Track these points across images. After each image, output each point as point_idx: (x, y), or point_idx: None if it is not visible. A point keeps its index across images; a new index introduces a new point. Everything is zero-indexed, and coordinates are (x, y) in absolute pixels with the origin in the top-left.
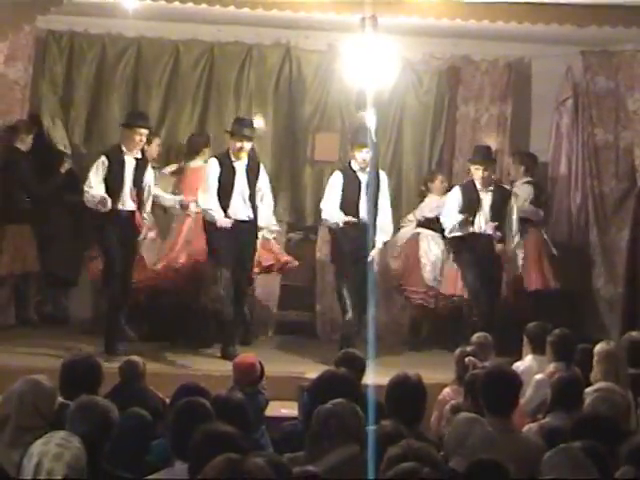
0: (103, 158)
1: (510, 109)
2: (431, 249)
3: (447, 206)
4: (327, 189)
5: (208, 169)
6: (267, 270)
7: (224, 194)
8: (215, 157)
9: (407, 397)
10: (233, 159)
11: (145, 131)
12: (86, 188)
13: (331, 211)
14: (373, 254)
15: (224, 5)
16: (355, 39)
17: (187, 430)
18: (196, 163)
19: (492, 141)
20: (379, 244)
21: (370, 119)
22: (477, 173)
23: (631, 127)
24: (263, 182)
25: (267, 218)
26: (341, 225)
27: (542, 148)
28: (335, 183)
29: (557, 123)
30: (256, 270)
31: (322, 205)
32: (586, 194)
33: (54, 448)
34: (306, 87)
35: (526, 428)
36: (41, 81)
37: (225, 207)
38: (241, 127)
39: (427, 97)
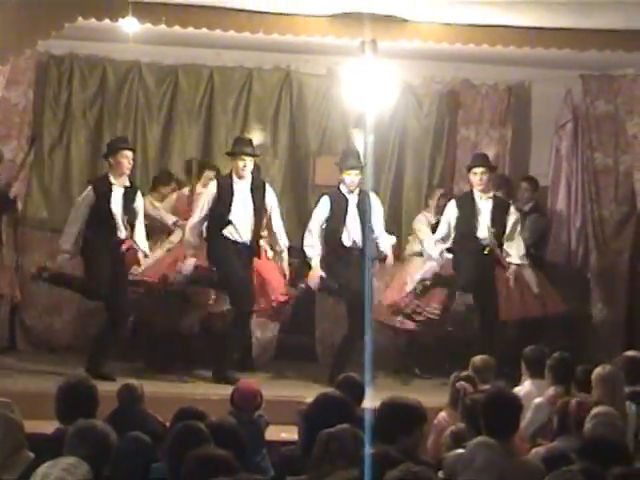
0: (90, 192)
1: (510, 133)
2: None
3: (444, 218)
4: (314, 213)
5: (205, 192)
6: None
7: (220, 215)
8: (217, 180)
9: (405, 421)
10: (235, 180)
11: (131, 153)
12: (66, 230)
13: (312, 243)
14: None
15: (224, 29)
16: (355, 63)
17: (184, 454)
18: (200, 187)
19: (491, 153)
20: (388, 247)
21: (360, 140)
22: (476, 178)
23: (630, 151)
24: (270, 200)
25: (277, 237)
26: (313, 264)
27: (542, 172)
28: (322, 208)
29: (557, 147)
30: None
31: (307, 232)
32: (586, 218)
33: (58, 472)
34: (306, 111)
35: (533, 452)
36: (41, 105)
37: (222, 227)
38: (241, 146)
39: (427, 121)
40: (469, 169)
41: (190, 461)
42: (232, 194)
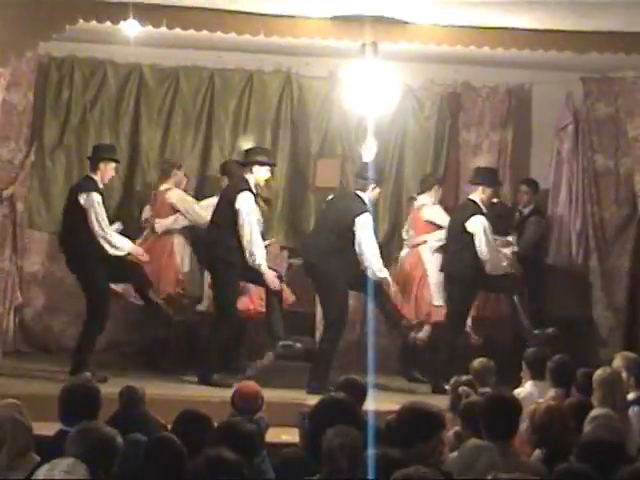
0: (98, 197)
1: (511, 135)
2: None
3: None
4: (369, 235)
5: (250, 207)
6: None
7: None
8: (249, 191)
9: (424, 427)
10: (255, 190)
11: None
12: (108, 237)
13: (382, 267)
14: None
15: (225, 32)
16: (356, 65)
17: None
18: (164, 186)
19: (491, 156)
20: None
21: (368, 153)
22: (484, 195)
23: (631, 153)
24: None
25: None
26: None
27: (543, 174)
28: (372, 230)
29: (557, 149)
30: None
31: (374, 262)
32: (586, 220)
33: (58, 474)
34: (307, 114)
35: (536, 453)
36: (42, 107)
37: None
38: (267, 156)
39: (428, 123)
40: (489, 186)
41: (201, 461)
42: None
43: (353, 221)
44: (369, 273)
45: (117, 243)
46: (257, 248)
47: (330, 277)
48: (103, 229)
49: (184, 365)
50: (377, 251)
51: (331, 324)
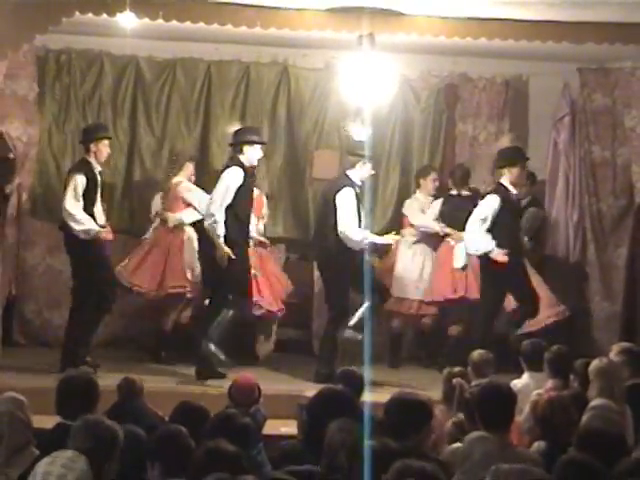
0: (81, 178)
1: (508, 126)
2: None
3: (484, 211)
4: (345, 207)
5: (230, 178)
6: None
7: (245, 203)
8: (238, 167)
9: (416, 417)
10: (248, 168)
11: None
12: (74, 220)
13: (359, 230)
14: None
15: (222, 23)
16: (353, 57)
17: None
18: (176, 179)
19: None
20: None
21: (358, 133)
22: (511, 175)
23: (628, 144)
24: None
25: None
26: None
27: (539, 165)
28: (351, 201)
29: (554, 140)
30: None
31: (347, 227)
32: (583, 211)
33: (58, 469)
34: (304, 105)
35: (535, 445)
36: (41, 99)
37: (244, 216)
38: (256, 134)
39: (425, 114)
40: (513, 164)
41: (200, 452)
42: (253, 183)
43: (334, 198)
44: (350, 244)
45: (82, 220)
46: (216, 210)
47: (334, 269)
48: (69, 204)
49: (183, 358)
50: (353, 221)
51: (333, 316)
